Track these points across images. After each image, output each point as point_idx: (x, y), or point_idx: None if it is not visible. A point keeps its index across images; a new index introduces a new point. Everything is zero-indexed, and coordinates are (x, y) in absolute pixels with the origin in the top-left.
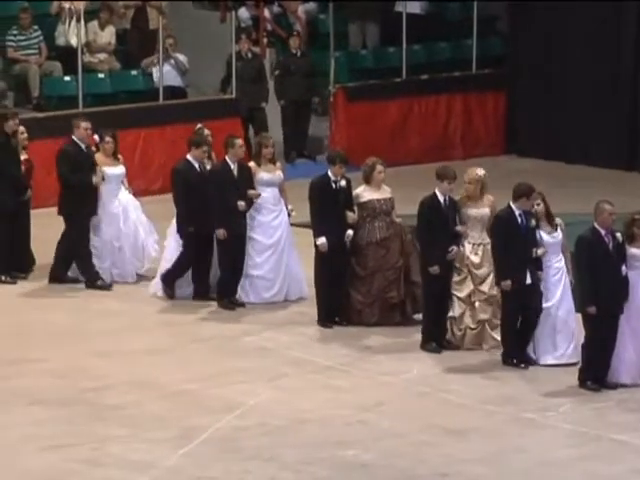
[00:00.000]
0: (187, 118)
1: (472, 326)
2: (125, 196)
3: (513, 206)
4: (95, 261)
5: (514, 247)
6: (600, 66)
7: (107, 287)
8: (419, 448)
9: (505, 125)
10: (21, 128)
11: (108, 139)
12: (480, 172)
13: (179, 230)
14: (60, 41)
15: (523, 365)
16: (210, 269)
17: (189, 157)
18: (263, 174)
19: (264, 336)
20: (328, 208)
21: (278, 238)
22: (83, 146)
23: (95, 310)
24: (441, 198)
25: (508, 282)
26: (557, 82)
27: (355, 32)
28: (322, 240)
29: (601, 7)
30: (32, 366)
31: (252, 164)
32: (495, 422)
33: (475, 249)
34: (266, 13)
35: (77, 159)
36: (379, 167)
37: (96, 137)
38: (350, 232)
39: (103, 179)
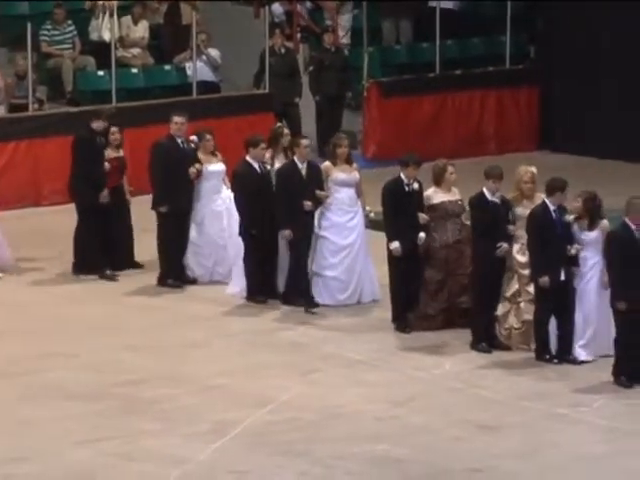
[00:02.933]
0: (220, 113)
1: (516, 326)
2: (228, 193)
3: (548, 201)
4: (199, 259)
5: (549, 243)
6: (633, 61)
7: (179, 286)
8: (451, 443)
9: (538, 121)
10: (113, 128)
11: (208, 137)
12: (534, 170)
13: (241, 233)
14: (93, 36)
15: (556, 361)
16: (276, 269)
17: (248, 158)
18: (338, 174)
19: (297, 331)
20: (401, 211)
21: (354, 239)
22: (179, 141)
23: (130, 304)
24: (489, 196)
25: (546, 278)
26: (591, 77)
27: (389, 28)
28: (396, 244)
29: (635, 3)
30: (67, 360)
31: (327, 164)
32: (529, 417)
33: (523, 249)
34: (299, 8)
35: (172, 154)
36: (450, 169)
37: (194, 137)
38: (422, 235)
39: (199, 175)
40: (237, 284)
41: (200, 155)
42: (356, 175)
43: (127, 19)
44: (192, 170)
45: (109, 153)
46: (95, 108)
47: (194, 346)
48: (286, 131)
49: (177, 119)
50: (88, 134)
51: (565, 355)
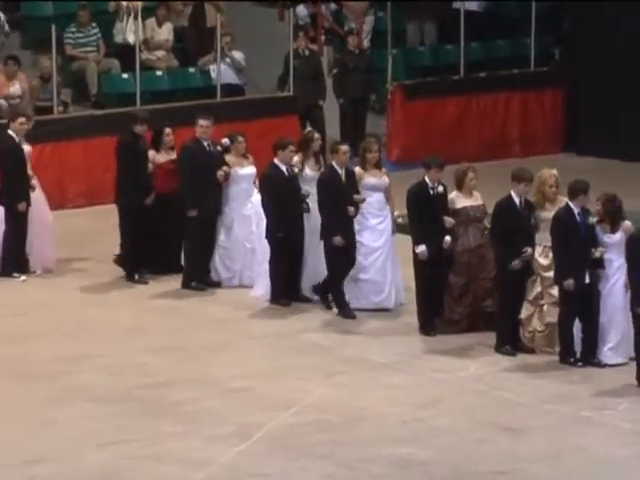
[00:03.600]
0: (245, 116)
1: (540, 329)
2: (258, 197)
3: (571, 204)
4: (227, 262)
5: (573, 245)
6: None
7: (203, 289)
8: (476, 446)
9: (563, 123)
10: (167, 130)
11: (240, 139)
12: (556, 172)
13: (268, 236)
14: (118, 38)
15: (580, 363)
16: (300, 272)
17: (276, 161)
18: (369, 179)
19: (320, 334)
20: (426, 215)
21: (384, 241)
22: (205, 144)
23: (155, 307)
24: (517, 200)
25: (571, 281)
26: (615, 79)
27: (413, 30)
28: (422, 248)
29: None
30: (91, 362)
31: (359, 169)
32: (553, 420)
33: (546, 251)
34: (323, 10)
35: (199, 157)
36: (471, 174)
37: (226, 140)
38: (448, 238)
39: (227, 177)
40: (261, 287)
41: (232, 158)
42: (386, 180)
43: (151, 21)
44: (220, 173)
45: (161, 156)
46: (129, 111)
47: (217, 349)
48: (317, 135)
49: (202, 122)
50: (131, 137)
51: (589, 358)
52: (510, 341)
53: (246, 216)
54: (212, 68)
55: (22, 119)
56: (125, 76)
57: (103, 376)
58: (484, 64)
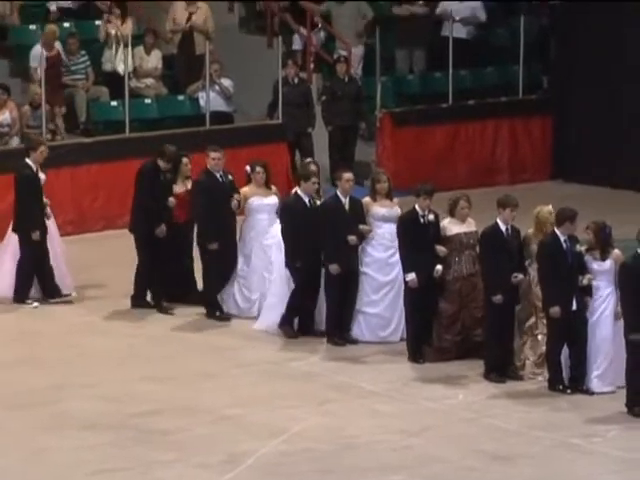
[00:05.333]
0: (234, 143)
1: (532, 358)
2: (279, 227)
3: (558, 231)
4: (245, 292)
5: (560, 273)
6: None
7: (227, 319)
8: (466, 474)
9: (551, 150)
10: (185, 160)
11: (259, 169)
12: (552, 208)
13: (287, 265)
14: (107, 67)
15: (569, 391)
16: (316, 305)
17: (299, 191)
18: (378, 209)
19: (311, 361)
20: (417, 243)
21: (395, 276)
22: (218, 175)
23: (147, 335)
24: (503, 227)
25: (556, 308)
26: (603, 107)
27: (402, 58)
28: (412, 276)
29: None
30: (82, 390)
31: (367, 199)
32: (542, 448)
33: None
34: (313, 38)
35: (213, 190)
36: (462, 203)
37: (247, 168)
38: (439, 267)
39: (239, 207)
40: (265, 320)
41: (251, 188)
42: (397, 210)
43: (139, 49)
44: (234, 203)
45: (178, 186)
46: (162, 149)
47: (209, 377)
48: (313, 167)
49: (214, 155)
50: (153, 166)
51: (578, 385)
52: (498, 368)
53: (266, 246)
54: (201, 96)
55: (43, 148)
56: (114, 104)
57: (94, 404)
58: (473, 92)
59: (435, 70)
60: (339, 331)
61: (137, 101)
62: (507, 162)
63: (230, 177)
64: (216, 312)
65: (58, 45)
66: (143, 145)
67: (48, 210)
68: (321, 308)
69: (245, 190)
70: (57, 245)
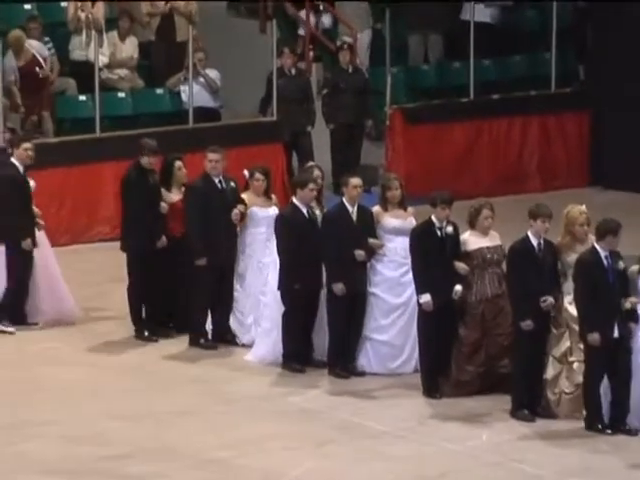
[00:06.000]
0: (221, 143)
1: (568, 390)
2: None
3: (598, 246)
4: (237, 315)
5: (600, 294)
6: None
7: (213, 347)
8: None
9: (589, 152)
10: (178, 163)
11: (258, 176)
12: (585, 209)
13: (281, 286)
14: (75, 55)
15: (609, 431)
16: (312, 330)
17: (295, 200)
18: (390, 220)
19: (308, 396)
20: (433, 259)
21: (408, 297)
22: (216, 180)
23: (114, 365)
24: (534, 241)
25: (596, 336)
26: None
27: (416, 45)
28: (427, 297)
29: None
30: (42, 429)
31: (377, 209)
32: None
33: None
34: (312, 21)
35: (209, 196)
36: (485, 212)
37: (246, 173)
38: (459, 287)
39: (242, 219)
40: (260, 349)
41: (249, 196)
42: (412, 221)
43: (113, 35)
44: (235, 212)
45: (172, 194)
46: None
47: (188, 414)
48: (317, 173)
49: (212, 156)
50: (138, 172)
51: (620, 425)
52: (528, 405)
53: (263, 264)
54: (183, 89)
55: (27, 144)
56: (82, 98)
57: (55, 445)
58: (497, 84)
59: (454, 59)
60: (342, 361)
61: (109, 95)
62: (537, 166)
63: (232, 184)
64: (200, 339)
65: (31, 45)
66: (116, 146)
67: (40, 221)
68: (319, 334)
69: (243, 198)
70: (52, 263)
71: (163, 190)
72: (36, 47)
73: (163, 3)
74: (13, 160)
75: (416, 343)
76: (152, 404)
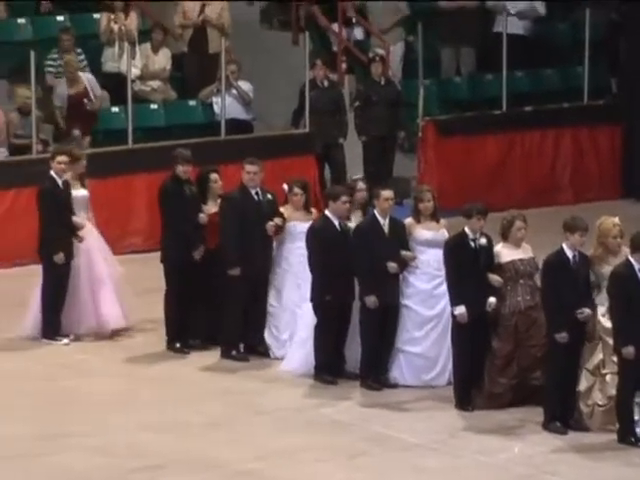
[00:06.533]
0: (253, 155)
1: (601, 402)
2: None
3: (632, 259)
4: (273, 330)
5: (634, 308)
6: None
7: (245, 359)
8: None
9: (621, 164)
10: (214, 176)
11: (297, 190)
12: (619, 221)
13: (313, 298)
14: (107, 67)
15: None
16: (344, 342)
17: (327, 213)
18: (422, 232)
19: (340, 408)
20: (467, 271)
21: (441, 309)
22: (253, 192)
23: (146, 377)
24: (570, 254)
25: (630, 349)
26: None
27: (448, 57)
28: (461, 310)
29: None
30: (73, 441)
31: (409, 221)
32: None
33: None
34: (344, 33)
35: (246, 208)
36: (519, 223)
37: (285, 187)
38: (493, 300)
39: (278, 232)
40: (294, 359)
41: (288, 210)
42: (444, 233)
43: (146, 47)
44: (270, 224)
45: (208, 207)
46: (178, 152)
47: (220, 425)
48: (361, 185)
49: (250, 168)
50: (174, 182)
51: None
52: (561, 417)
53: (300, 278)
54: (215, 101)
55: (61, 158)
56: (115, 110)
57: (87, 456)
58: (530, 96)
59: (486, 72)
60: (374, 373)
61: (142, 107)
62: (570, 178)
63: (269, 196)
64: (232, 351)
65: (85, 77)
66: (148, 157)
67: (82, 232)
68: (351, 345)
69: (279, 212)
70: (99, 272)
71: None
72: (90, 80)
73: (196, 15)
74: (52, 173)
75: (449, 355)
76: (184, 415)
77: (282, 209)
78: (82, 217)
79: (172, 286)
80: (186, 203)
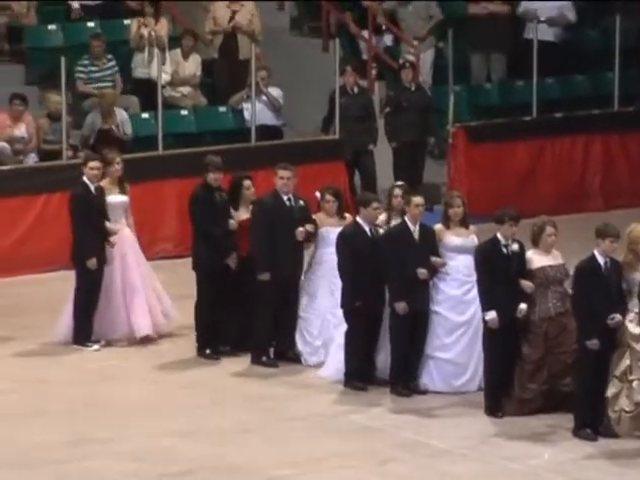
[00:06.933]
0: (283, 162)
1: (628, 409)
2: None
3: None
4: (305, 336)
5: None
6: None
7: (275, 365)
8: None
9: None
10: (247, 182)
11: (328, 197)
12: None
13: (343, 304)
14: (137, 73)
15: None
16: (375, 348)
17: (358, 219)
18: (452, 238)
19: (370, 414)
20: (499, 277)
21: (471, 315)
22: (285, 198)
23: (175, 382)
24: (601, 260)
25: None
26: None
27: (478, 63)
28: (492, 315)
29: None
30: (104, 447)
31: (439, 227)
32: None
33: (637, 319)
34: (374, 40)
35: (276, 213)
36: (549, 229)
37: (317, 194)
38: (524, 306)
39: (311, 238)
40: (331, 366)
41: (321, 217)
42: (474, 239)
43: (176, 53)
44: (300, 230)
45: (240, 213)
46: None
47: (250, 431)
48: (398, 191)
49: (283, 173)
50: (205, 189)
51: None
52: (591, 423)
53: (334, 285)
54: (246, 107)
55: (94, 163)
56: (145, 116)
57: (118, 462)
58: (560, 103)
59: (517, 78)
60: (404, 380)
61: (172, 113)
62: (600, 184)
63: (301, 202)
64: (262, 357)
65: (119, 113)
66: (179, 164)
67: (114, 238)
68: (381, 352)
69: (312, 218)
70: (132, 278)
71: (230, 209)
72: (123, 118)
73: (226, 21)
74: (84, 179)
75: (480, 361)
76: (215, 421)
77: (315, 216)
78: (122, 223)
79: (204, 292)
80: (216, 210)
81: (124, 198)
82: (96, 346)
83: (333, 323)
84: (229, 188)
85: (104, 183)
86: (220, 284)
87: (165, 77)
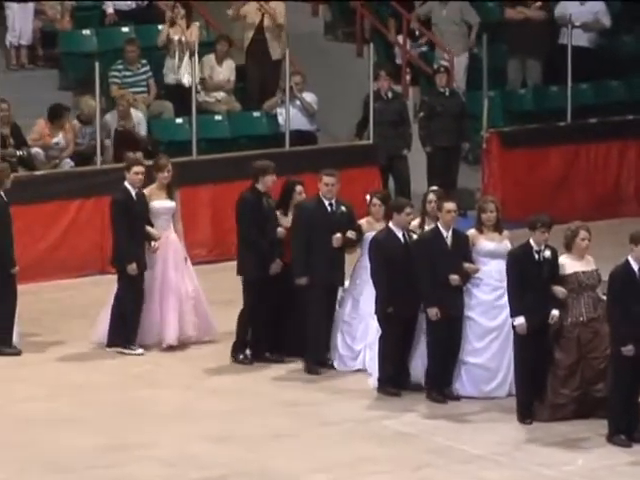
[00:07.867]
0: (317, 167)
1: None
2: None
3: None
4: (348, 340)
5: None
6: None
7: (316, 372)
8: None
9: None
10: (299, 188)
11: (375, 201)
12: None
13: (377, 310)
14: (170, 78)
15: None
16: (409, 354)
17: (391, 225)
18: (485, 243)
19: (404, 420)
20: (530, 283)
21: (503, 321)
22: (327, 203)
23: (207, 388)
24: (635, 266)
25: None
26: None
27: (513, 69)
28: (520, 320)
29: None
30: (138, 452)
31: (473, 232)
32: None
33: None
34: (408, 45)
35: (318, 218)
36: (583, 233)
37: (367, 197)
38: (556, 312)
39: (355, 244)
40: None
41: (368, 221)
42: (507, 244)
43: (210, 58)
44: (336, 236)
45: (288, 219)
46: (260, 165)
47: (284, 436)
48: (432, 197)
49: (327, 179)
50: (253, 195)
51: None
52: (625, 430)
53: None
54: (280, 112)
55: (137, 168)
56: (179, 121)
57: (154, 467)
58: (595, 108)
59: (551, 83)
60: (439, 386)
61: (206, 118)
62: (634, 190)
63: (343, 208)
64: (311, 365)
65: (135, 114)
66: (213, 169)
67: (155, 243)
68: (414, 357)
69: (362, 223)
70: (169, 284)
71: (279, 214)
72: (139, 119)
73: (256, 24)
74: (126, 184)
75: (510, 367)
76: (249, 427)
77: (363, 220)
78: (169, 229)
79: (248, 300)
80: (264, 216)
81: (171, 204)
82: (140, 350)
83: (376, 327)
84: (280, 192)
85: (152, 188)
86: (264, 290)
87: (196, 81)
